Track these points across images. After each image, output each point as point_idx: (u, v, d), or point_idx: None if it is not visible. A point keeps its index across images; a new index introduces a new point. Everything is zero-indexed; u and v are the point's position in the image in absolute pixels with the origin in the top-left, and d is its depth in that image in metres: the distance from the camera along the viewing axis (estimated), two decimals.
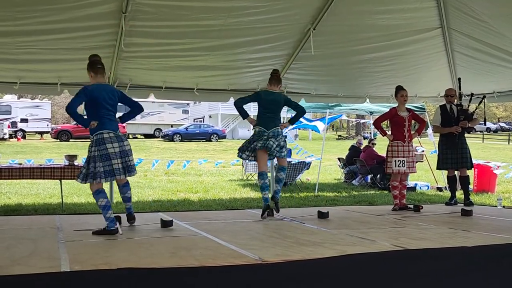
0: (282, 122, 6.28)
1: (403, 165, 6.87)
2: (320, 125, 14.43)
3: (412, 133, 7.09)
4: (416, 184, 10.97)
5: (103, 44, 6.54)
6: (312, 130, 17.64)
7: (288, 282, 3.32)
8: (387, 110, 7.50)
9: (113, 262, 3.50)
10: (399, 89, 7.05)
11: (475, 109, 7.74)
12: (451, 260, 3.90)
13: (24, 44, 6.40)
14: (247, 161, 12.42)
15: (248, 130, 37.10)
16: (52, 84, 7.52)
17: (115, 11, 5.97)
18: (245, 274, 3.34)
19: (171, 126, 34.13)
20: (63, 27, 6.11)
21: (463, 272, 3.79)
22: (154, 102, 31.96)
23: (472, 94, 7.69)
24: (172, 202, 8.14)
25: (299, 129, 28.66)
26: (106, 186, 5.58)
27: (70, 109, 4.83)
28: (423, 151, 12.52)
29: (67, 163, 7.44)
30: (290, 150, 11.75)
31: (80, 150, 21.73)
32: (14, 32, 6.11)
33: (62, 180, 7.40)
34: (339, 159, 13.78)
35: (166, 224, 5.27)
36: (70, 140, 28.66)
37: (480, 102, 7.83)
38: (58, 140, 28.53)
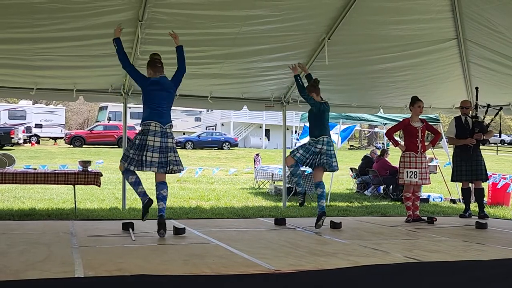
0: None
1: (415, 176, 6.80)
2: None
3: (426, 144, 7.04)
4: (429, 196, 10.88)
5: None
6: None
7: None
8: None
9: (126, 268, 3.51)
10: (416, 100, 6.99)
11: (490, 121, 7.67)
12: (465, 273, 3.85)
13: (42, 51, 6.49)
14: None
15: (260, 138, 37.10)
16: (68, 90, 7.62)
17: (132, 19, 6.04)
18: (258, 283, 3.33)
19: (183, 134, 34.27)
20: (80, 34, 6.19)
21: (478, 286, 3.73)
22: None
23: (488, 105, 7.61)
24: (184, 210, 8.15)
25: None
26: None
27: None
28: (437, 162, 12.42)
29: (80, 169, 7.49)
30: None
31: (93, 156, 21.88)
32: (32, 38, 6.21)
33: (76, 186, 7.45)
34: (351, 169, 13.72)
35: (178, 231, 5.28)
36: (84, 146, 28.88)
37: (497, 113, 7.76)
38: (72, 146, 28.74)
